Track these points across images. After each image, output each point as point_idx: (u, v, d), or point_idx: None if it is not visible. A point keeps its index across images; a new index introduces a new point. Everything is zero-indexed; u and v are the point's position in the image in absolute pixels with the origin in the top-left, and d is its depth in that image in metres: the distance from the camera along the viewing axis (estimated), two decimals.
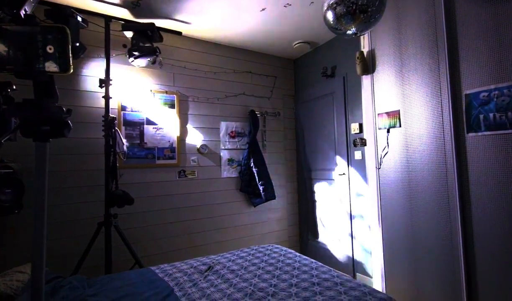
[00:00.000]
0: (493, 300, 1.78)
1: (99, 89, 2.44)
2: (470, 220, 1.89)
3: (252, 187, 3.35)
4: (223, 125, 3.32)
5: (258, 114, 3.52)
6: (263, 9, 2.62)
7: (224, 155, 3.30)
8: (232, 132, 3.37)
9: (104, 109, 2.32)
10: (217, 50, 3.33)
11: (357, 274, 2.98)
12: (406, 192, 2.28)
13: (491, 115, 1.76)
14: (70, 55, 0.65)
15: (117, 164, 2.33)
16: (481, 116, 1.81)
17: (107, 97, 2.32)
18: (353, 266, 3.02)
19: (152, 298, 1.57)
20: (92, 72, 2.60)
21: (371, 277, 2.75)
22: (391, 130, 2.38)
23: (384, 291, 2.42)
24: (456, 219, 1.95)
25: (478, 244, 1.86)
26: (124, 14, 2.58)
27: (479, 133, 1.83)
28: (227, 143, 3.33)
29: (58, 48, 0.63)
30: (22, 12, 0.75)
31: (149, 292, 1.64)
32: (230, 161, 3.34)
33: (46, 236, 0.71)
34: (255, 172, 3.31)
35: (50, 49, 0.63)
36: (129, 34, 2.41)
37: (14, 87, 0.90)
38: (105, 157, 2.27)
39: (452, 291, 1.98)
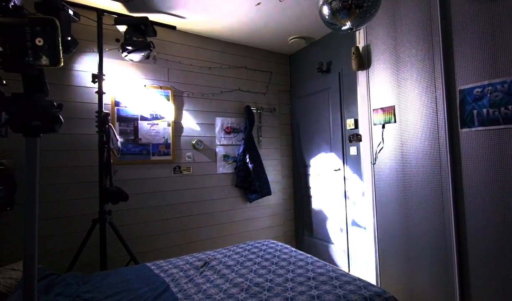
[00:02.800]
0: (484, 293, 1.81)
1: (92, 84, 2.41)
2: (463, 214, 1.92)
3: (247, 183, 3.35)
4: (218, 121, 3.30)
5: (254, 109, 3.51)
6: (258, 4, 2.59)
7: (220, 151, 3.29)
8: (227, 128, 3.36)
9: (97, 104, 2.29)
10: (212, 45, 3.30)
11: (352, 268, 3.01)
12: (401, 188, 2.29)
13: (484, 110, 1.77)
14: (60, 48, 0.63)
15: (111, 161, 2.31)
16: (475, 112, 1.82)
17: (100, 93, 2.29)
18: (348, 261, 3.05)
19: (148, 294, 1.56)
20: (85, 67, 2.56)
21: (365, 272, 2.78)
22: (386, 125, 2.39)
23: (379, 285, 2.45)
24: (449, 214, 1.97)
25: (470, 237, 1.88)
26: (117, 7, 2.53)
27: (473, 129, 1.84)
28: (223, 139, 3.32)
29: (47, 41, 0.61)
30: (11, 4, 0.73)
31: (145, 288, 1.63)
32: (226, 157, 3.33)
33: (40, 233, 0.70)
34: (250, 168, 3.31)
35: (39, 41, 0.61)
36: (122, 28, 2.37)
37: (4, 82, 0.88)
38: (98, 153, 2.25)
39: (445, 284, 2.01)
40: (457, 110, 1.92)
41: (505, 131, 1.70)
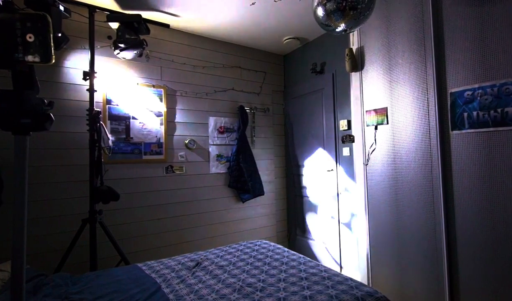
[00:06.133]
0: (474, 293, 1.84)
1: (83, 82, 2.37)
2: (453, 214, 1.95)
3: (240, 183, 3.34)
4: (211, 121, 3.28)
5: (247, 109, 3.50)
6: (253, 3, 2.59)
7: (213, 150, 3.28)
8: (221, 127, 3.34)
9: (88, 102, 2.25)
10: (206, 44, 3.29)
11: (344, 268, 3.03)
12: (393, 188, 2.32)
13: (474, 113, 1.81)
14: (52, 44, 0.62)
15: (102, 159, 2.28)
16: (465, 114, 1.85)
17: (91, 90, 2.25)
18: (340, 261, 3.07)
19: (139, 295, 1.54)
20: (76, 64, 2.51)
21: (357, 271, 2.80)
22: (378, 127, 2.42)
23: (370, 285, 2.48)
24: (439, 214, 2.00)
25: (460, 237, 1.92)
26: (109, 4, 2.50)
27: (463, 131, 1.88)
28: (216, 138, 3.31)
29: (38, 37, 0.60)
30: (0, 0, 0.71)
31: (136, 289, 1.61)
32: (219, 156, 3.31)
33: (28, 233, 0.68)
34: (243, 168, 3.30)
35: (29, 37, 0.59)
36: (114, 25, 2.33)
37: None
38: (89, 152, 2.21)
39: (435, 284, 2.04)
40: (448, 113, 1.95)
41: (494, 134, 1.74)
